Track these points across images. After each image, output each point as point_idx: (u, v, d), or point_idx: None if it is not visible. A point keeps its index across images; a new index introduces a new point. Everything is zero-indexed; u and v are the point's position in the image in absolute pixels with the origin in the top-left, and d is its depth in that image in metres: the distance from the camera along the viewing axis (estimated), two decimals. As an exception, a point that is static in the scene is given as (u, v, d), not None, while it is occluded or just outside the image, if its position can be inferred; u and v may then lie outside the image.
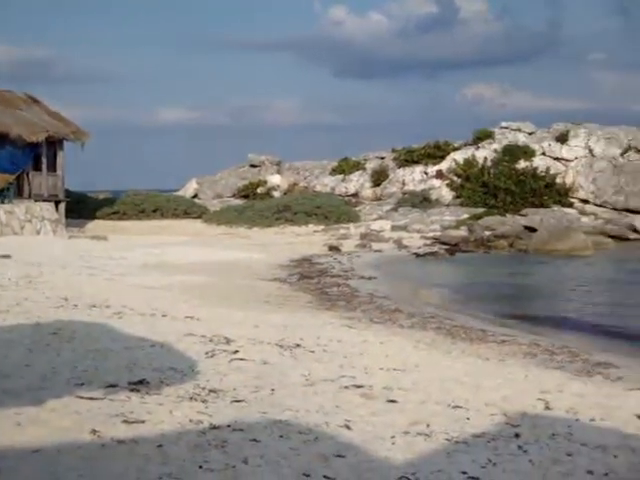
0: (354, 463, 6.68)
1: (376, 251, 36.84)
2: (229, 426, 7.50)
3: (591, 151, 48.15)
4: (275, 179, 56.00)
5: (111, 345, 11.22)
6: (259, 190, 54.99)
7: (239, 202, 52.87)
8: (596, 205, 46.06)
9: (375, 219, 46.10)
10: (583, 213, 45.30)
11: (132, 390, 8.66)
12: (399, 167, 52.88)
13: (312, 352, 12.19)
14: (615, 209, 45.65)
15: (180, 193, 57.92)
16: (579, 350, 15.17)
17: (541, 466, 6.86)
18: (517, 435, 7.88)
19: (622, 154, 47.73)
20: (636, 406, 9.75)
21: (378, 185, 52.97)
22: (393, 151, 55.16)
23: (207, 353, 11.14)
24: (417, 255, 36.12)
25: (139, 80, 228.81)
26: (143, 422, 7.46)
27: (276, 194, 53.76)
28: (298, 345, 12.63)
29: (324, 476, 6.29)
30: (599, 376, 12.54)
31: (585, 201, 46.46)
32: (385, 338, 14.60)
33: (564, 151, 48.43)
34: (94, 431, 7.03)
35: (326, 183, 54.99)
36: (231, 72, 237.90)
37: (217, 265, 27.80)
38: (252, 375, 9.99)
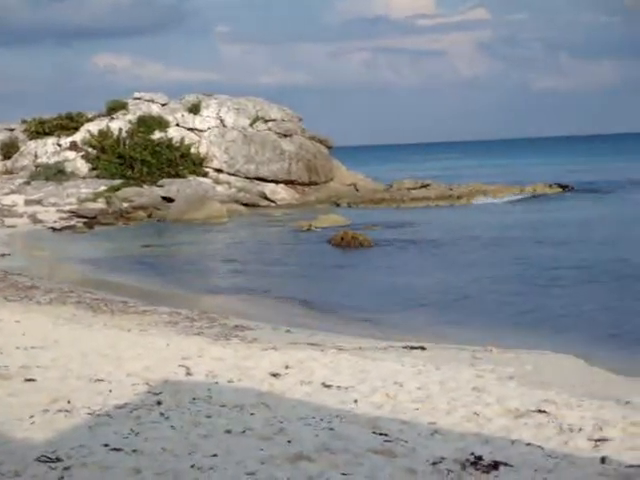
0: (-11, 448, 6.42)
1: (9, 227, 35.27)
2: None
3: (222, 121, 49.46)
4: None
5: None
6: None
7: None
8: (229, 174, 47.45)
9: (7, 194, 43.95)
10: (218, 182, 46.51)
11: None
12: (30, 139, 50.72)
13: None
14: (247, 178, 47.39)
15: None
16: (218, 315, 15.73)
17: (182, 430, 7.06)
18: (159, 403, 8.02)
19: (251, 124, 49.59)
20: (270, 365, 10.35)
21: (8, 158, 50.48)
22: (23, 122, 52.77)
23: None
24: (54, 229, 35.16)
25: None
26: None
27: None
28: None
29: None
30: (236, 339, 13.11)
31: (219, 170, 47.68)
32: (22, 316, 14.11)
33: (197, 122, 49.24)
34: None
35: (-52, 157, 51.39)
36: None
37: None
38: None
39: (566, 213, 37.03)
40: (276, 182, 47.65)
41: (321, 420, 7.62)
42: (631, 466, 6.47)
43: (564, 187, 49.57)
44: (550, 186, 49.42)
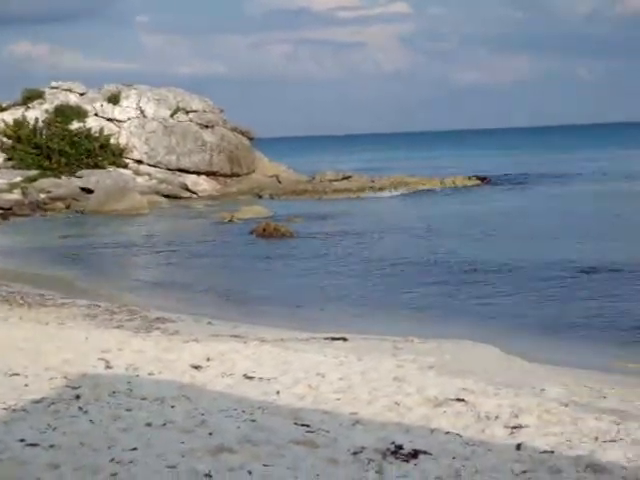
0: None
1: None
2: None
3: (143, 112, 48.83)
4: None
5: None
6: None
7: None
8: (150, 165, 46.90)
9: None
10: (138, 173, 45.95)
11: None
12: (-58, 128, 49.40)
13: None
14: (169, 169, 46.92)
15: None
16: (139, 308, 15.56)
17: (101, 424, 6.97)
18: (78, 397, 7.90)
19: (172, 115, 49.10)
20: (191, 357, 10.29)
21: None
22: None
23: None
24: (-33, 221, 34.34)
25: None
26: None
27: None
28: None
29: None
30: (157, 331, 13.00)
31: (139, 161, 47.07)
32: None
33: (117, 112, 48.52)
34: None
35: None
36: None
37: None
38: None
39: (484, 205, 37.62)
40: (198, 173, 47.29)
41: (243, 412, 7.61)
42: (545, 452, 6.63)
43: (482, 179, 50.38)
44: (469, 178, 50.15)
